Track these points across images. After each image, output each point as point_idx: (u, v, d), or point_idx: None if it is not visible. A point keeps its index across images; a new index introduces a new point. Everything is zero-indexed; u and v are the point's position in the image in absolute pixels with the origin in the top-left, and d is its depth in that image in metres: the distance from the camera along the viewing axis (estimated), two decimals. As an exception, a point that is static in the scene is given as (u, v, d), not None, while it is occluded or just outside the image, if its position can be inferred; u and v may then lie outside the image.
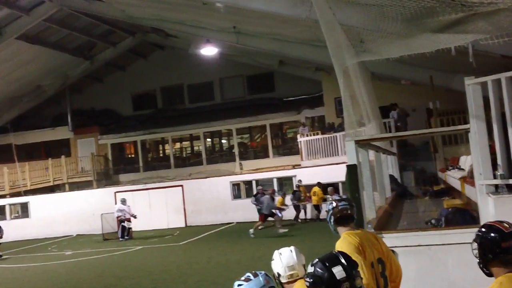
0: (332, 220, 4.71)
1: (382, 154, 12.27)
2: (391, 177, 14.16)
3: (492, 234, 3.10)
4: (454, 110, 20.31)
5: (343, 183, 20.14)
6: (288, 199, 23.64)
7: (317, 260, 2.85)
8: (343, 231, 4.68)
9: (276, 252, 3.88)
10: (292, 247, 3.91)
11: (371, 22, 9.93)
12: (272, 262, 3.82)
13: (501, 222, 3.22)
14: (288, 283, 3.77)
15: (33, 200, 29.06)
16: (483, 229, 3.18)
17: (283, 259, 3.82)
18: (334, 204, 4.82)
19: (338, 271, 2.75)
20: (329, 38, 9.39)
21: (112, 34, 31.11)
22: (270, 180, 26.66)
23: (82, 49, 31.40)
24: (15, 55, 27.32)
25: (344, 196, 5.47)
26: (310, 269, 2.84)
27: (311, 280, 2.79)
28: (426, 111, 23.00)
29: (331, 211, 4.76)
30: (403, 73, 20.70)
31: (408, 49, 9.03)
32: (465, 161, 12.76)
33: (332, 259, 2.84)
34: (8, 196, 30.16)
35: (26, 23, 24.74)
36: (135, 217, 23.84)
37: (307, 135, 26.59)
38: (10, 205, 29.49)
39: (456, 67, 16.36)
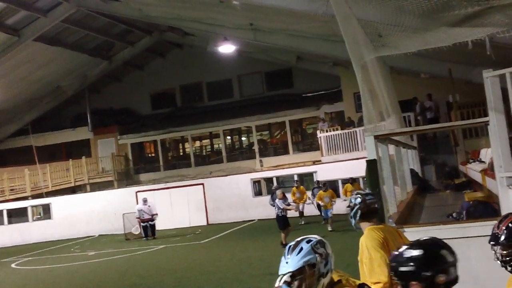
0: (358, 215, 4.69)
1: (402, 148, 12.16)
2: (412, 171, 14.05)
3: None
4: (474, 102, 20.04)
5: (363, 178, 20.01)
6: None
7: (418, 243, 2.67)
8: (366, 226, 4.67)
9: None
10: None
11: (388, 16, 9.84)
12: None
13: None
14: None
15: (55, 201, 29.31)
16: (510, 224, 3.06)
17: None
18: (360, 198, 4.77)
19: (447, 254, 2.60)
20: (346, 33, 9.32)
21: (129, 33, 31.28)
22: (291, 177, 26.60)
23: (100, 49, 31.61)
24: (34, 56, 27.59)
25: (367, 191, 5.42)
26: (407, 253, 2.63)
27: (412, 265, 2.58)
28: (446, 104, 22.76)
29: (357, 206, 4.72)
30: (422, 66, 20.46)
31: (426, 43, 8.92)
32: (485, 154, 12.60)
33: (435, 242, 2.70)
34: (30, 197, 30.45)
35: (44, 24, 24.97)
36: (154, 216, 23.92)
37: (326, 131, 26.46)
38: (32, 206, 29.77)
39: (475, 60, 16.13)
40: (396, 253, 2.72)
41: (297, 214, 22.19)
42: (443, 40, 7.41)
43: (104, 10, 25.54)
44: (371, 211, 4.73)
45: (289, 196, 21.59)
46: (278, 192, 18.52)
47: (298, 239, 2.89)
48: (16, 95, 30.94)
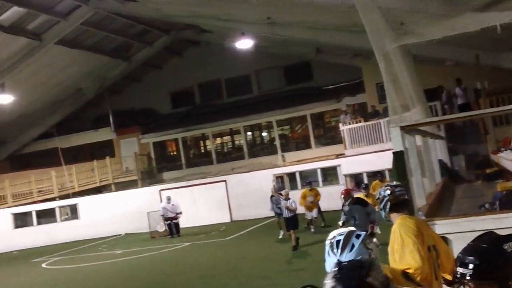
0: (388, 207, 4.63)
1: (429, 139, 11.95)
2: (441, 162, 13.83)
3: None
4: (504, 89, 19.57)
5: (389, 170, 19.74)
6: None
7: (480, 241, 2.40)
8: (396, 218, 4.61)
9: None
10: None
11: (410, 3, 9.63)
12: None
13: None
14: None
15: (81, 202, 29.59)
16: None
17: None
18: (390, 190, 4.71)
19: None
20: (368, 23, 9.16)
21: (147, 33, 31.37)
22: (314, 171, 26.40)
23: (119, 50, 31.77)
24: (55, 60, 27.84)
25: (397, 183, 5.32)
26: (481, 251, 2.30)
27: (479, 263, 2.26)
28: (474, 91, 22.28)
29: (386, 198, 4.67)
30: (446, 53, 20.06)
31: (451, 29, 8.72)
32: (517, 141, 12.31)
33: (498, 237, 2.41)
34: (57, 198, 30.80)
35: (64, 28, 25.16)
36: (178, 214, 23.96)
37: (349, 123, 26.19)
38: (60, 207, 30.09)
39: (504, 45, 15.80)
40: (466, 252, 2.36)
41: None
42: (470, 25, 7.23)
43: (121, 11, 25.66)
44: (401, 202, 4.67)
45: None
46: (284, 193, 17.70)
47: (342, 232, 2.73)
48: (39, 99, 31.28)
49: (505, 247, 2.25)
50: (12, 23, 23.28)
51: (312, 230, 18.83)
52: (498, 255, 2.23)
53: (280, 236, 18.32)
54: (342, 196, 13.22)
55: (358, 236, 2.68)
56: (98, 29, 27.62)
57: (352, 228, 2.78)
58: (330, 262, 2.61)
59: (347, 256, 2.58)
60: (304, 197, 19.29)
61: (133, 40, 31.15)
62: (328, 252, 2.67)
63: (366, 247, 2.65)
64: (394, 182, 5.20)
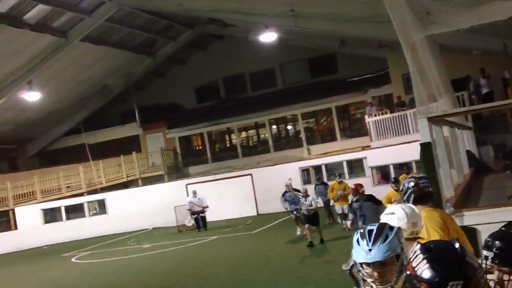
0: (411, 199, 4.59)
1: (457, 130, 11.80)
2: (468, 153, 13.65)
3: None
4: (533, 78, 19.25)
5: (416, 162, 19.57)
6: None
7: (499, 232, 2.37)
8: (421, 210, 4.50)
9: (398, 208, 3.79)
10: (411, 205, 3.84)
11: (437, -8, 9.47)
12: (391, 216, 3.64)
13: None
14: (408, 239, 3.58)
15: (109, 197, 29.93)
16: None
17: (409, 214, 3.70)
18: (414, 182, 4.68)
19: None
20: (393, 13, 9.06)
21: (171, 28, 31.52)
22: (339, 164, 26.29)
23: (144, 46, 32.00)
24: (81, 57, 28.16)
25: (421, 174, 5.28)
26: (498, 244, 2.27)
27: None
28: (502, 80, 21.91)
29: (410, 189, 4.63)
30: (474, 42, 19.73)
31: (479, 18, 8.58)
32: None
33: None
34: (85, 194, 31.21)
35: (89, 24, 25.39)
36: (205, 208, 24.09)
37: (375, 115, 25.99)
38: (88, 202, 30.49)
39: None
40: (494, 236, 2.34)
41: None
42: (499, 13, 7.10)
43: (145, 7, 25.80)
44: (425, 194, 4.64)
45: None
46: (303, 190, 16.73)
47: (375, 225, 2.66)
48: (65, 96, 31.73)
49: None
50: (38, 21, 23.57)
51: (344, 225, 17.01)
52: None
53: (298, 233, 17.71)
54: (351, 192, 12.05)
55: (391, 228, 2.63)
56: (123, 25, 27.86)
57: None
58: (359, 252, 2.58)
59: (380, 247, 2.53)
60: (332, 190, 18.49)
61: (157, 35, 31.33)
62: (358, 240, 2.61)
63: (399, 240, 2.59)
64: (420, 174, 5.16)
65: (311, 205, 15.84)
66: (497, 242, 2.26)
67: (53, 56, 26.03)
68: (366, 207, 10.88)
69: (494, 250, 2.24)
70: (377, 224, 2.68)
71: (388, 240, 2.56)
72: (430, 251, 2.06)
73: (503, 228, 2.38)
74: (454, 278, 1.96)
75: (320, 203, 18.81)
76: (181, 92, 35.86)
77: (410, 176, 4.94)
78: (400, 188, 4.84)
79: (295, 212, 17.91)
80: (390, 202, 15.22)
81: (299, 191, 17.66)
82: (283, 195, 19.01)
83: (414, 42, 9.16)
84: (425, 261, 2.03)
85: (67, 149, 35.90)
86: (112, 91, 34.70)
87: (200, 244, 19.99)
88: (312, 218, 15.79)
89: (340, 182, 18.65)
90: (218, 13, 25.85)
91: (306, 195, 16.23)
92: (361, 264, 2.59)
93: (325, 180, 23.40)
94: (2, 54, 24.26)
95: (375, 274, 2.56)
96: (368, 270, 2.58)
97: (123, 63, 31.96)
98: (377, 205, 10.82)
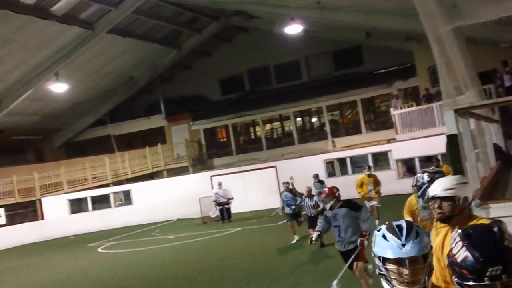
0: (426, 194, 4.57)
1: (483, 122, 11.67)
2: (495, 146, 13.49)
3: None
4: (560, 70, 18.94)
5: (442, 155, 19.37)
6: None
7: None
8: None
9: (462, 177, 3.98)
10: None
11: (464, -17, 9.36)
12: (465, 186, 3.69)
13: None
14: None
15: (134, 188, 30.23)
16: None
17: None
18: (429, 177, 4.67)
19: None
20: (420, 5, 8.99)
21: (196, 20, 31.63)
22: (364, 157, 26.17)
23: (170, 38, 32.18)
24: (107, 49, 28.43)
25: (436, 169, 5.25)
26: None
27: None
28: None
29: (426, 184, 4.62)
30: (502, 35, 19.42)
31: (506, 10, 8.46)
32: None
33: None
34: (111, 185, 31.57)
35: (115, 16, 25.61)
36: (230, 200, 24.20)
37: (400, 108, 25.79)
38: (114, 193, 30.84)
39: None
40: None
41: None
42: (527, 5, 6.99)
43: (171, -1, 25.93)
44: None
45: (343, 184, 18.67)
46: (307, 189, 15.41)
47: (402, 222, 2.49)
48: (92, 87, 32.09)
49: None
50: (65, 13, 23.84)
51: (376, 223, 14.79)
52: None
53: (294, 241, 15.86)
54: (323, 196, 9.53)
55: (419, 227, 2.49)
56: (149, 17, 28.04)
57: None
58: (388, 247, 2.39)
59: (415, 242, 2.36)
60: (361, 185, 15.96)
61: (183, 27, 31.48)
62: (384, 236, 2.42)
63: (428, 240, 2.46)
64: (434, 169, 5.14)
65: (317, 206, 14.45)
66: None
67: (80, 48, 26.33)
68: (342, 215, 8.80)
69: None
70: (404, 220, 2.52)
71: (420, 237, 2.41)
72: (469, 237, 2.04)
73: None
74: (493, 264, 1.93)
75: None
76: (206, 84, 36.00)
77: (423, 170, 4.94)
78: (414, 183, 4.83)
79: (288, 215, 16.41)
80: (362, 185, 15.87)
81: (296, 192, 16.61)
82: (281, 194, 17.71)
83: (441, 34, 9.08)
84: (464, 247, 2.01)
85: (93, 140, 36.38)
86: (138, 83, 35.00)
87: (225, 236, 20.10)
88: (315, 220, 13.25)
89: (370, 176, 16.10)
90: (243, 5, 25.85)
91: (310, 195, 15.12)
92: (386, 261, 2.39)
93: (350, 172, 23.26)
94: (30, 45, 24.62)
95: (406, 272, 2.35)
96: (395, 268, 2.37)
97: (149, 55, 32.19)
98: (356, 212, 8.78)
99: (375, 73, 31.48)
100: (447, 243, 3.61)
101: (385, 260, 2.39)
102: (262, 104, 32.85)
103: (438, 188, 3.55)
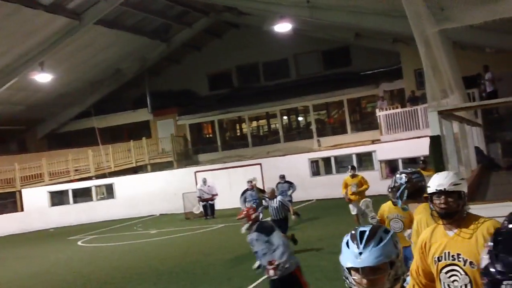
0: (405, 195, 4.62)
1: (466, 126, 11.79)
2: (477, 149, 13.64)
3: None
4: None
5: (425, 157, 19.53)
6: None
7: None
8: (415, 206, 4.59)
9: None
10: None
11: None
12: (465, 182, 3.63)
13: None
14: None
15: (117, 181, 30.07)
16: None
17: None
18: (407, 178, 4.69)
19: None
20: (408, 7, 9.04)
21: (186, 14, 31.50)
22: (349, 156, 26.29)
23: (159, 32, 32.01)
24: (94, 40, 28.20)
25: (413, 170, 5.24)
26: None
27: None
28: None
29: (404, 185, 4.63)
30: (487, 40, 19.63)
31: (492, 13, 8.55)
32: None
33: None
34: (93, 178, 31.37)
35: (103, 8, 25.35)
36: (214, 196, 24.19)
37: (386, 109, 25.95)
38: (96, 186, 30.65)
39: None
40: None
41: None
42: (512, 9, 7.07)
43: (161, -8, 25.78)
44: (419, 189, 4.63)
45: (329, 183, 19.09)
46: (268, 190, 14.07)
47: (368, 226, 2.38)
48: (78, 79, 31.84)
49: None
50: (52, 2, 23.48)
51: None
52: None
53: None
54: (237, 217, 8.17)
55: (387, 231, 2.35)
56: (138, 10, 27.85)
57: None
58: (347, 255, 2.31)
59: (372, 251, 2.25)
60: (345, 185, 15.37)
61: (173, 21, 31.33)
62: (347, 243, 2.33)
63: (395, 245, 2.31)
64: (411, 169, 5.13)
65: (282, 207, 13.35)
66: None
67: (66, 38, 26.05)
68: (256, 240, 7.69)
69: None
70: (371, 226, 2.40)
71: (382, 244, 2.28)
72: (497, 244, 1.97)
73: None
74: (509, 279, 1.88)
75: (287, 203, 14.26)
76: (195, 79, 35.90)
77: (400, 171, 4.93)
78: (392, 185, 4.82)
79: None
80: (346, 187, 15.06)
81: (264, 191, 15.32)
82: (243, 194, 16.44)
83: (428, 36, 9.15)
84: (488, 255, 1.96)
85: (77, 132, 36.12)
86: (125, 76, 34.79)
87: (208, 232, 20.09)
88: (280, 224, 12.53)
89: (353, 176, 15.29)
90: (233, 1, 25.82)
91: (273, 196, 13.61)
92: (349, 270, 2.31)
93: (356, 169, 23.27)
94: (15, 34, 24.34)
95: (364, 281, 2.26)
96: (356, 276, 2.29)
97: (137, 48, 32.02)
98: (268, 236, 7.60)
99: (362, 74, 31.61)
100: (434, 239, 3.62)
101: (348, 270, 2.32)
102: (250, 101, 32.85)
103: (444, 182, 3.47)
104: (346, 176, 15.60)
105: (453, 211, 3.46)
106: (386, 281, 2.27)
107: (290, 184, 18.73)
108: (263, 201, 14.46)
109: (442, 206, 3.49)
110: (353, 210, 14.97)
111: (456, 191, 3.48)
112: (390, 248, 2.28)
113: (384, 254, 2.25)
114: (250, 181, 16.75)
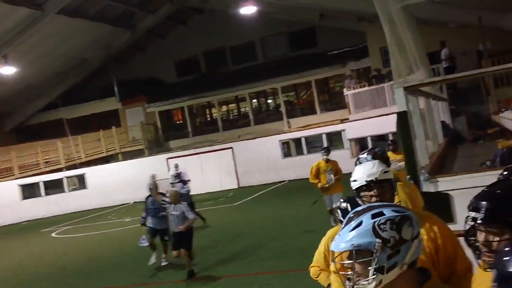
0: None
1: (432, 101, 12.02)
2: (443, 123, 13.93)
3: None
4: (506, 50, 19.61)
5: (393, 134, 19.87)
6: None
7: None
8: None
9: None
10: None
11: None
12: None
13: None
14: None
15: (89, 172, 29.79)
16: (506, 172, 2.91)
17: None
18: (371, 155, 4.78)
19: None
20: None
21: (150, 1, 31.25)
22: (319, 136, 26.52)
23: (122, 19, 31.66)
24: (58, 30, 27.74)
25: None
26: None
27: None
28: (477, 53, 22.27)
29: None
30: (450, 15, 20.00)
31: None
32: (519, 101, 12.39)
33: None
34: (64, 169, 31.01)
35: (65, -3, 25.03)
36: (186, 182, 24.19)
37: (353, 88, 26.22)
38: (67, 177, 30.33)
39: (507, 5, 15.71)
40: (479, 197, 2.21)
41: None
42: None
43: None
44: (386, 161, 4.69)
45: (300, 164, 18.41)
46: (170, 194, 11.23)
47: (364, 206, 2.18)
48: (43, 70, 31.31)
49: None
50: (12, -7, 23.16)
51: (333, 224, 11.17)
52: (510, 199, 2.17)
53: (151, 262, 11.92)
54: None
55: (374, 216, 2.06)
56: (101, -2, 27.53)
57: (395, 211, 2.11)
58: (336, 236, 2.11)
59: (343, 234, 2.06)
60: (316, 173, 12.29)
61: (136, 8, 31.00)
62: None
63: (376, 232, 2.02)
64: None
65: (182, 218, 10.61)
66: (484, 203, 2.16)
67: (29, 30, 25.62)
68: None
69: (482, 211, 2.14)
70: (364, 206, 2.19)
71: (358, 229, 2.04)
72: None
73: (485, 189, 2.31)
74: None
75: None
76: (161, 66, 35.69)
77: (366, 151, 4.93)
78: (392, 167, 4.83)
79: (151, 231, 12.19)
80: (318, 174, 12.22)
81: (164, 194, 12.57)
82: (146, 200, 12.92)
83: (392, 13, 9.28)
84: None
85: (45, 124, 35.67)
86: (91, 65, 34.37)
87: (182, 217, 20.10)
88: (183, 237, 10.57)
89: (327, 161, 12.29)
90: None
91: (176, 201, 10.85)
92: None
93: (304, 151, 23.46)
94: (-24, 27, 23.86)
95: (338, 266, 2.12)
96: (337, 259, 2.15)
97: (102, 36, 31.61)
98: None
99: (328, 54, 31.82)
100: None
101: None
102: (218, 85, 32.82)
103: (374, 171, 3.27)
104: (319, 160, 12.59)
105: (388, 202, 3.02)
106: (364, 269, 2.04)
107: (185, 184, 17.06)
108: (164, 207, 11.69)
109: (376, 198, 3.23)
110: (328, 202, 12.14)
111: (387, 179, 3.30)
112: (366, 236, 2.03)
113: (353, 240, 2.03)
114: (151, 185, 13.39)
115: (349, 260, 2.05)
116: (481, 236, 2.17)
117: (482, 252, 2.18)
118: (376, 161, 3.44)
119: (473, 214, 2.16)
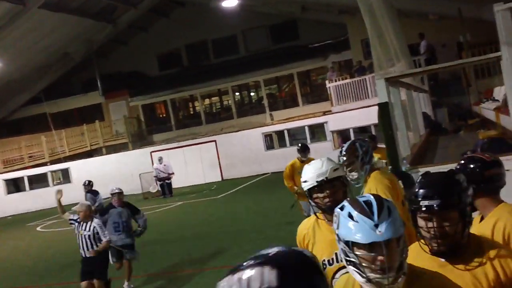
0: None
1: (413, 92, 12.23)
2: (424, 115, 14.16)
3: (473, 165, 3.00)
4: (486, 41, 19.85)
5: (375, 125, 20.09)
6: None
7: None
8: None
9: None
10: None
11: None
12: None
13: (483, 153, 3.19)
14: None
15: (73, 166, 29.68)
16: (463, 162, 3.09)
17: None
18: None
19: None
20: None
21: (132, -6, 31.09)
22: (301, 129, 26.70)
23: (104, 13, 31.50)
24: (39, 24, 27.55)
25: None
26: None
27: None
28: (457, 45, 22.56)
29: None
30: (430, 7, 20.21)
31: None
32: (499, 92, 12.67)
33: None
34: (48, 163, 30.90)
35: (47, -10, 24.85)
36: (170, 175, 24.27)
37: (335, 80, 26.40)
38: (52, 172, 30.22)
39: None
40: (427, 186, 2.36)
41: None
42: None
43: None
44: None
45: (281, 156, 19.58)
46: (79, 209, 9.16)
47: (365, 197, 2.11)
48: (25, 65, 31.05)
49: (457, 178, 2.43)
50: (-7, -12, 22.97)
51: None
52: (456, 185, 2.37)
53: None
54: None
55: (388, 201, 2.09)
56: (82, -9, 27.36)
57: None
58: (358, 229, 1.99)
59: (388, 223, 1.97)
60: (291, 175, 10.33)
61: (118, 1, 30.83)
62: (350, 214, 2.03)
63: (399, 216, 2.06)
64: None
65: (95, 238, 8.70)
66: (435, 190, 2.32)
67: (11, 24, 25.44)
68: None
69: (436, 198, 2.29)
70: (371, 194, 2.14)
71: (393, 214, 2.01)
72: None
73: (423, 179, 2.44)
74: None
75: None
76: (144, 60, 35.58)
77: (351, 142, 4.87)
78: (359, 153, 4.50)
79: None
80: (293, 176, 10.28)
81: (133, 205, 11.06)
82: (106, 211, 10.57)
83: (372, 5, 9.42)
84: None
85: (28, 118, 35.46)
86: (73, 59, 34.17)
87: (166, 210, 20.21)
88: (93, 263, 8.73)
89: (303, 161, 9.91)
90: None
91: (86, 218, 8.88)
92: (355, 246, 2.00)
93: (288, 144, 23.59)
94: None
95: (381, 258, 1.95)
96: (367, 253, 1.98)
97: (83, 30, 31.43)
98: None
99: (310, 47, 31.97)
100: (319, 237, 3.48)
101: (354, 245, 2.00)
102: (201, 79, 32.83)
103: (323, 171, 3.19)
104: (294, 160, 10.58)
105: (341, 201, 2.52)
106: (400, 256, 2.00)
107: (95, 194, 15.73)
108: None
109: (328, 199, 3.17)
110: (306, 209, 9.88)
111: (338, 176, 3.24)
112: (400, 219, 2.04)
113: (400, 224, 2.01)
114: (114, 193, 11.04)
115: (397, 246, 1.98)
116: (434, 223, 2.32)
117: (431, 238, 2.33)
118: (325, 159, 3.31)
119: (426, 202, 2.30)
